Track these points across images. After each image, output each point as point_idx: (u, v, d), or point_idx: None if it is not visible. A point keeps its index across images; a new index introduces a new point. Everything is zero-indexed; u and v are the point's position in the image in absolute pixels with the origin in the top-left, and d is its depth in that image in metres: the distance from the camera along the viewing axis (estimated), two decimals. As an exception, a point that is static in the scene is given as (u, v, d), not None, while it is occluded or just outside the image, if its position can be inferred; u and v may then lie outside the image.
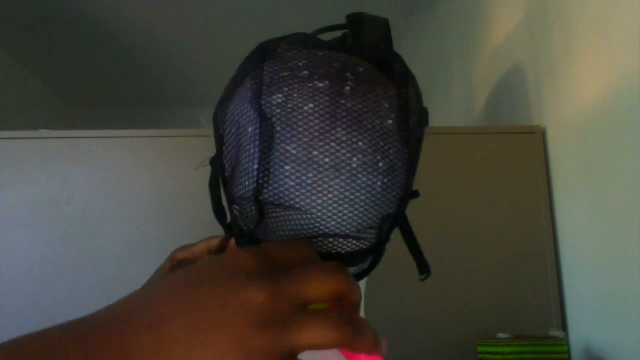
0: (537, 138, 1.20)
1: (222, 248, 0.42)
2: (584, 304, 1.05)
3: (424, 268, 0.43)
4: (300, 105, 0.38)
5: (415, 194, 0.44)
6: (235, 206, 0.41)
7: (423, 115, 0.44)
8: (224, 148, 0.43)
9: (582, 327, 1.06)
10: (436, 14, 2.24)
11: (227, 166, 0.42)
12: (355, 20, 0.50)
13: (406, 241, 0.44)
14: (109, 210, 1.14)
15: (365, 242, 0.40)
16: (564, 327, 1.10)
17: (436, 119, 2.07)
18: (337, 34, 0.51)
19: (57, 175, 1.14)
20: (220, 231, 0.88)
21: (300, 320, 0.26)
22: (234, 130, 0.41)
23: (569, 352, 0.94)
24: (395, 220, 0.42)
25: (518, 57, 1.37)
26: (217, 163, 0.44)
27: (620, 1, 0.92)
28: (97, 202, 1.13)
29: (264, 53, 0.41)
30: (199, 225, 1.13)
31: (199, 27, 2.71)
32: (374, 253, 0.43)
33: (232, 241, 0.43)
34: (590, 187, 1.02)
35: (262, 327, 0.25)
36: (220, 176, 0.43)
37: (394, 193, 0.41)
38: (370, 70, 0.41)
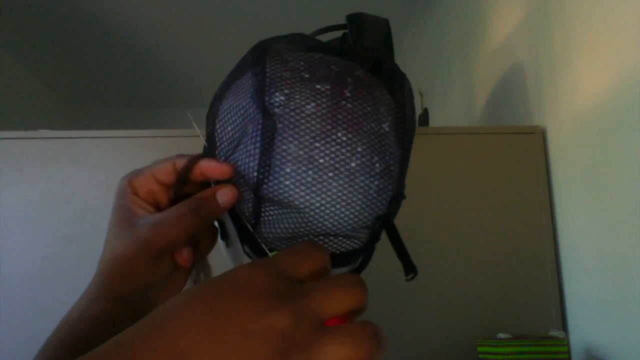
0: (537, 138, 1.20)
1: (189, 169, 0.41)
2: (584, 304, 1.05)
3: (410, 268, 0.43)
4: (302, 105, 0.38)
5: (402, 195, 0.44)
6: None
7: (414, 118, 0.45)
8: (217, 145, 0.42)
9: (582, 327, 1.06)
10: (436, 14, 2.24)
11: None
12: (355, 20, 0.50)
13: (391, 241, 0.44)
14: (109, 210, 1.13)
15: (358, 242, 0.41)
16: (564, 327, 1.10)
17: (436, 119, 2.07)
18: (337, 34, 0.51)
19: (57, 175, 1.14)
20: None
21: (321, 341, 0.25)
22: (229, 128, 0.41)
23: (569, 352, 0.94)
24: (386, 220, 0.42)
25: (518, 57, 1.37)
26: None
27: (620, 1, 0.92)
28: (97, 202, 1.13)
29: (264, 51, 0.41)
30: (199, 225, 1.12)
31: (199, 28, 2.71)
32: (365, 252, 0.43)
33: (202, 162, 0.40)
34: (590, 187, 1.02)
35: (285, 354, 0.24)
36: None
37: (387, 194, 0.41)
38: (366, 74, 0.41)
